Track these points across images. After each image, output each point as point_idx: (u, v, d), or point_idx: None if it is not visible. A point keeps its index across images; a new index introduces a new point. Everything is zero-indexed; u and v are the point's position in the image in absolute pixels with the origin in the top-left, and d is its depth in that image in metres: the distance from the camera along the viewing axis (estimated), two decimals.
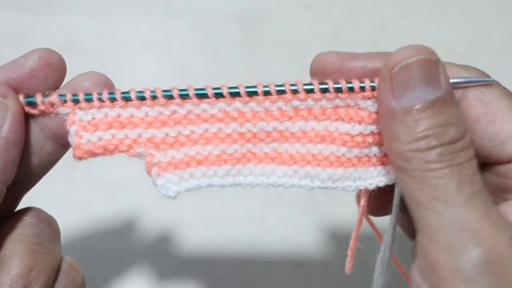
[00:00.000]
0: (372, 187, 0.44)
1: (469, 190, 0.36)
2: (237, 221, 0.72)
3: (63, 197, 0.73)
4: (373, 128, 0.42)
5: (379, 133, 0.42)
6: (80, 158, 0.43)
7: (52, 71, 0.41)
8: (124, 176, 0.74)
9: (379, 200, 0.46)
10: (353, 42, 0.81)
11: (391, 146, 0.38)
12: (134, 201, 0.73)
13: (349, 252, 0.50)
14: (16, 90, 0.40)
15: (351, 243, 0.49)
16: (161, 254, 0.70)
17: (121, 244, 0.71)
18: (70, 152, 0.76)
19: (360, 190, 0.46)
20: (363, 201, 0.45)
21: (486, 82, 0.41)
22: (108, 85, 0.42)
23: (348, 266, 0.50)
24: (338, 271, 0.71)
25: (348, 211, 0.73)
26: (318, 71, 0.42)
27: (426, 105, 0.37)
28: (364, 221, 0.56)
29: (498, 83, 0.42)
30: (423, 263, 0.37)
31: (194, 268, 0.70)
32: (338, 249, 0.71)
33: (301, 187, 0.43)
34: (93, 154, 0.42)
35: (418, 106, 0.37)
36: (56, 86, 0.42)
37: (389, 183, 0.44)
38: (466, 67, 0.42)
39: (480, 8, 0.85)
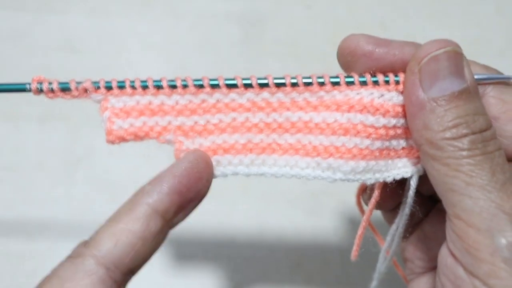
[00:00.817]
0: (389, 179, 0.45)
1: (502, 177, 0.38)
2: (237, 221, 0.72)
3: (63, 197, 0.73)
4: (395, 121, 0.43)
5: (400, 127, 0.43)
6: (112, 143, 0.44)
7: (210, 171, 0.43)
8: (124, 176, 0.74)
9: (383, 193, 0.47)
10: None
11: (422, 136, 0.40)
12: None
13: (356, 240, 0.50)
14: (184, 195, 0.41)
15: (359, 231, 0.50)
16: (161, 253, 0.70)
17: None
18: (70, 152, 0.76)
19: (371, 184, 0.47)
20: (376, 193, 0.46)
21: (506, 79, 0.42)
22: (207, 162, 0.42)
23: (354, 254, 0.51)
24: (338, 270, 0.71)
25: (348, 211, 0.73)
26: (348, 52, 0.43)
27: (455, 95, 0.39)
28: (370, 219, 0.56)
29: None
30: (458, 245, 0.38)
31: (194, 268, 0.70)
32: (338, 249, 0.71)
33: (324, 179, 0.44)
34: (124, 140, 0.43)
35: (446, 96, 0.39)
36: (209, 185, 0.43)
37: (406, 176, 0.45)
38: (486, 67, 0.43)
39: (480, 8, 0.85)
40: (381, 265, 0.53)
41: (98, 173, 0.74)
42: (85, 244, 0.40)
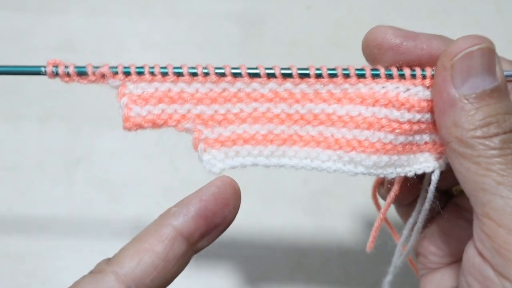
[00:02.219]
0: (411, 174, 0.44)
1: None
2: (237, 221, 0.72)
3: (63, 197, 0.73)
4: (420, 116, 0.42)
5: (424, 122, 0.43)
6: (129, 130, 0.43)
7: (238, 198, 0.42)
8: (124, 176, 0.74)
9: (402, 188, 0.47)
10: (353, 42, 0.80)
11: (452, 133, 0.39)
12: (134, 201, 0.73)
13: (372, 232, 0.50)
14: (210, 220, 0.40)
15: (376, 224, 0.50)
16: None
17: (121, 244, 0.71)
18: (70, 151, 0.76)
19: (388, 179, 0.47)
20: (396, 187, 0.46)
21: None
22: (235, 189, 0.42)
23: (369, 245, 0.51)
24: (338, 270, 0.71)
25: (348, 211, 0.73)
26: (374, 44, 0.42)
27: (486, 93, 0.38)
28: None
29: None
30: (487, 245, 0.38)
31: (193, 267, 0.70)
32: (338, 249, 0.71)
33: (344, 173, 0.43)
34: (141, 127, 0.43)
35: (478, 94, 0.38)
36: (236, 212, 0.42)
37: (427, 171, 0.44)
38: None
39: (480, 8, 0.85)
40: (397, 259, 0.52)
41: (98, 173, 0.74)
42: (108, 261, 0.40)
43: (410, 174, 0.44)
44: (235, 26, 0.83)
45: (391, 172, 0.44)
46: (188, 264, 0.39)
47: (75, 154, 0.75)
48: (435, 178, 0.44)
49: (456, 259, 0.50)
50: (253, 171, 0.78)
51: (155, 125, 0.42)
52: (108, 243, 0.71)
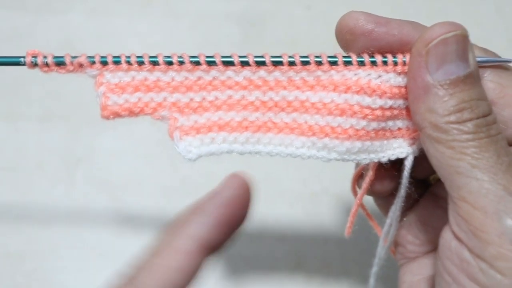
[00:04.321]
0: (384, 160, 0.45)
1: (507, 159, 0.38)
2: None
3: (63, 197, 0.73)
4: (392, 102, 0.43)
5: (396, 108, 0.43)
6: (106, 118, 0.43)
7: (252, 196, 0.40)
8: (124, 176, 0.74)
9: (378, 176, 0.47)
10: None
11: (426, 118, 0.40)
12: (134, 201, 0.73)
13: (350, 218, 0.51)
14: (229, 225, 0.38)
15: (353, 209, 0.50)
16: None
17: (121, 244, 0.71)
18: (70, 151, 0.76)
19: (360, 168, 0.48)
20: (371, 173, 0.47)
21: (505, 62, 0.42)
22: (250, 187, 0.40)
23: (347, 231, 0.52)
24: (338, 270, 0.71)
25: (348, 211, 0.73)
26: (346, 30, 0.43)
27: (460, 79, 0.39)
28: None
29: None
30: (464, 228, 0.38)
31: None
32: (338, 249, 0.71)
33: (318, 159, 0.44)
34: (118, 115, 0.43)
35: (452, 80, 0.39)
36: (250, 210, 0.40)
37: (401, 156, 0.45)
38: (484, 50, 0.43)
39: (480, 8, 0.85)
40: (381, 250, 0.53)
41: (98, 173, 0.74)
42: (124, 278, 0.37)
43: (384, 159, 0.45)
44: (235, 26, 0.83)
45: (364, 158, 0.44)
46: None
47: (75, 154, 0.75)
48: (408, 163, 0.45)
49: (433, 248, 0.51)
50: (253, 171, 0.78)
51: (132, 113, 0.43)
52: (108, 243, 0.71)
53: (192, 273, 0.37)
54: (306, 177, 0.74)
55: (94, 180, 0.74)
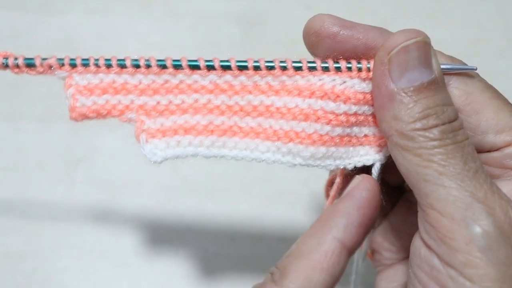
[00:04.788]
0: (350, 166, 0.45)
1: (474, 166, 0.38)
2: (237, 221, 0.72)
3: (63, 197, 0.73)
4: (356, 108, 0.43)
5: (361, 114, 0.43)
6: (75, 120, 0.44)
7: (379, 194, 0.42)
8: (124, 176, 0.74)
9: (346, 182, 0.47)
10: None
11: (392, 126, 0.39)
12: (134, 201, 0.73)
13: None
14: (368, 226, 0.40)
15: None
16: (161, 254, 0.70)
17: (121, 244, 0.71)
18: (70, 151, 0.76)
19: (334, 175, 0.48)
20: (338, 179, 0.47)
21: (469, 70, 0.42)
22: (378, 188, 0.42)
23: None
24: None
25: None
26: (312, 32, 0.43)
27: (424, 86, 0.39)
28: None
29: (478, 74, 0.43)
30: (433, 235, 0.38)
31: (193, 268, 0.70)
32: None
33: (283, 164, 0.44)
34: (87, 117, 0.43)
35: (416, 87, 0.39)
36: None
37: (367, 163, 0.45)
38: (451, 58, 0.43)
39: (480, 8, 0.85)
40: (358, 257, 0.53)
41: (98, 173, 0.74)
42: (274, 278, 0.39)
43: (350, 166, 0.45)
44: (235, 26, 0.83)
45: (329, 164, 0.44)
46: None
47: (75, 154, 0.75)
48: (375, 171, 0.45)
49: (408, 255, 0.51)
50: (253, 171, 0.78)
51: (99, 115, 0.43)
52: (108, 243, 0.71)
53: (336, 273, 0.39)
54: (306, 177, 0.74)
55: (94, 180, 0.74)
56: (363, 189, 0.41)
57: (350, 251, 0.40)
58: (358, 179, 0.42)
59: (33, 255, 0.70)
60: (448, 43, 0.80)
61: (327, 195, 0.53)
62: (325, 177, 0.75)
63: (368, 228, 0.40)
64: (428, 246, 0.39)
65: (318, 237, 0.39)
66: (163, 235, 0.71)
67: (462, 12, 0.85)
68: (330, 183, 0.52)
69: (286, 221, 0.73)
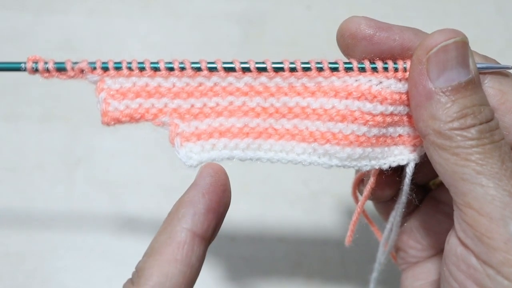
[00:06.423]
0: (385, 166, 0.45)
1: (511, 165, 0.38)
2: (237, 221, 0.72)
3: (63, 197, 0.73)
4: (392, 109, 0.43)
5: (397, 114, 0.43)
6: (107, 124, 0.43)
7: (228, 179, 0.42)
8: (124, 176, 0.74)
9: (379, 182, 0.47)
10: None
11: (429, 125, 0.40)
12: (134, 201, 0.73)
13: (350, 226, 0.51)
14: (217, 211, 0.40)
15: (354, 217, 0.50)
16: None
17: (121, 244, 0.71)
18: (70, 151, 0.76)
19: (360, 174, 0.48)
20: (372, 179, 0.46)
21: (504, 69, 0.42)
22: (224, 171, 0.41)
23: (348, 239, 0.51)
24: (338, 270, 0.71)
25: (348, 211, 0.73)
26: (348, 34, 0.42)
27: (461, 85, 0.39)
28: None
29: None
30: (470, 234, 0.38)
31: None
32: (338, 249, 0.71)
33: (319, 165, 0.44)
34: (119, 122, 0.43)
35: (453, 87, 0.39)
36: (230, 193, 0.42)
37: (402, 163, 0.45)
38: (485, 57, 0.43)
39: (480, 8, 0.85)
40: (381, 256, 0.53)
41: (98, 173, 0.74)
42: (133, 281, 0.38)
43: (385, 166, 0.45)
44: (235, 26, 0.83)
45: (365, 165, 0.44)
46: None
47: (75, 154, 0.75)
48: (409, 170, 0.45)
49: (435, 253, 0.51)
50: (253, 171, 0.78)
51: (132, 119, 0.43)
52: (108, 243, 0.71)
53: (193, 262, 0.38)
54: (307, 178, 0.74)
55: (94, 180, 0.74)
56: (206, 176, 0.40)
57: (205, 238, 0.39)
58: (201, 168, 0.41)
59: (33, 255, 0.70)
60: None
61: (355, 195, 0.53)
62: (325, 177, 0.75)
63: (218, 212, 0.40)
64: (464, 245, 0.39)
65: (169, 231, 0.39)
66: None
67: (462, 12, 0.85)
68: (358, 183, 0.52)
69: (286, 221, 0.73)
